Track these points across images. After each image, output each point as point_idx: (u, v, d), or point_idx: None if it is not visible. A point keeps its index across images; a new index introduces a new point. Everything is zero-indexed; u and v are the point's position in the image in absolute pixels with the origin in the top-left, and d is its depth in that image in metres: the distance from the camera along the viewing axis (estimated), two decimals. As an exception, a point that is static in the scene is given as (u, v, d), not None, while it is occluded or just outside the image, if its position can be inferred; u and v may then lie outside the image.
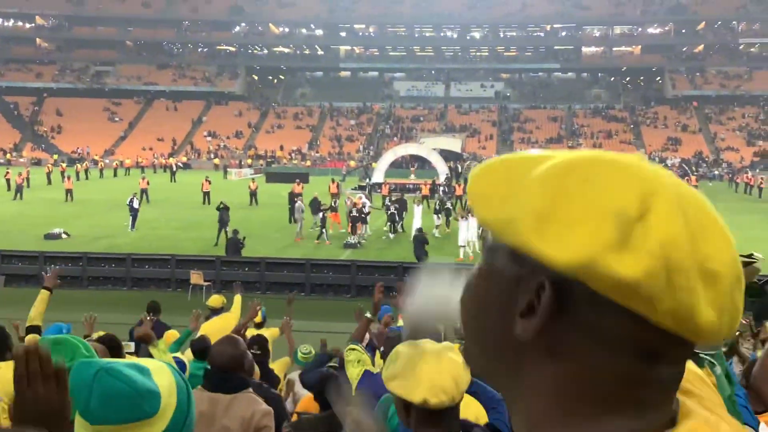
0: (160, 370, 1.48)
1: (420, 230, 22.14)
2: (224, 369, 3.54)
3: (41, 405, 1.44)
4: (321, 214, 25.53)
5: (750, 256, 2.16)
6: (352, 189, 39.71)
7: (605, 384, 0.66)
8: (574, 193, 0.64)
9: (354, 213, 25.98)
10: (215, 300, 9.63)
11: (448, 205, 29.16)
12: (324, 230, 25.04)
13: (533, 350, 0.67)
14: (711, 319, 0.63)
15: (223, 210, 23.87)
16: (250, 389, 3.61)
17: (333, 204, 27.64)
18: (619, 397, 0.66)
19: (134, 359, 1.51)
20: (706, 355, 2.33)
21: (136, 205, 27.30)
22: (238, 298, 8.89)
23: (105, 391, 1.35)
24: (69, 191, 36.49)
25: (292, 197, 29.19)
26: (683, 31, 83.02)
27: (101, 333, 6.31)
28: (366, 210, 26.23)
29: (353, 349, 5.05)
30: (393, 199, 29.10)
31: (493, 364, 0.72)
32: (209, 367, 3.72)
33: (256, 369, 4.76)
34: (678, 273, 0.62)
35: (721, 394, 2.17)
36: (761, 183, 46.05)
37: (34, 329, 5.50)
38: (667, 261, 0.61)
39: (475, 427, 2.39)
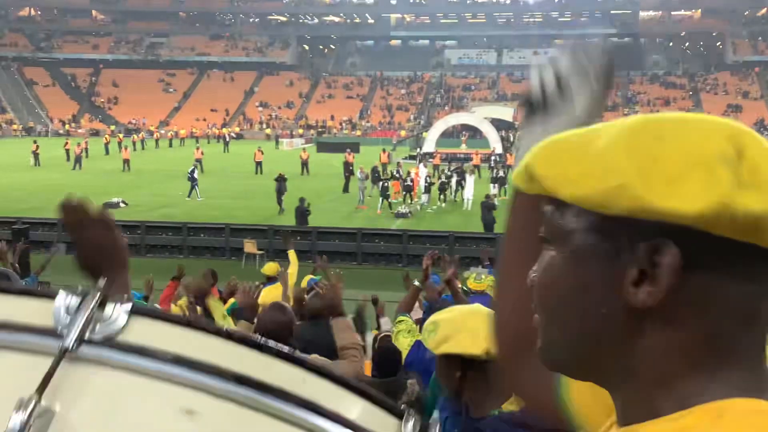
0: None
1: (488, 197, 22.22)
2: (272, 336, 3.50)
3: (95, 248, 1.47)
4: (381, 183, 25.93)
5: None
6: (404, 159, 39.58)
7: (733, 329, 0.65)
8: (664, 149, 0.64)
9: (408, 183, 26.19)
10: (270, 268, 9.68)
11: (502, 173, 29.19)
12: (388, 200, 25.31)
13: (649, 318, 0.66)
14: None
15: (281, 181, 24.64)
16: None
17: (394, 173, 27.84)
18: (743, 339, 0.66)
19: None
20: None
21: (196, 175, 28.21)
22: (292, 254, 8.88)
23: None
24: (126, 161, 37.24)
25: (347, 167, 29.52)
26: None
27: (183, 300, 6.37)
28: (429, 180, 26.98)
29: (402, 321, 5.06)
30: (452, 168, 29.21)
31: (593, 349, 0.70)
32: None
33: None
34: None
35: None
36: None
37: None
38: None
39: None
